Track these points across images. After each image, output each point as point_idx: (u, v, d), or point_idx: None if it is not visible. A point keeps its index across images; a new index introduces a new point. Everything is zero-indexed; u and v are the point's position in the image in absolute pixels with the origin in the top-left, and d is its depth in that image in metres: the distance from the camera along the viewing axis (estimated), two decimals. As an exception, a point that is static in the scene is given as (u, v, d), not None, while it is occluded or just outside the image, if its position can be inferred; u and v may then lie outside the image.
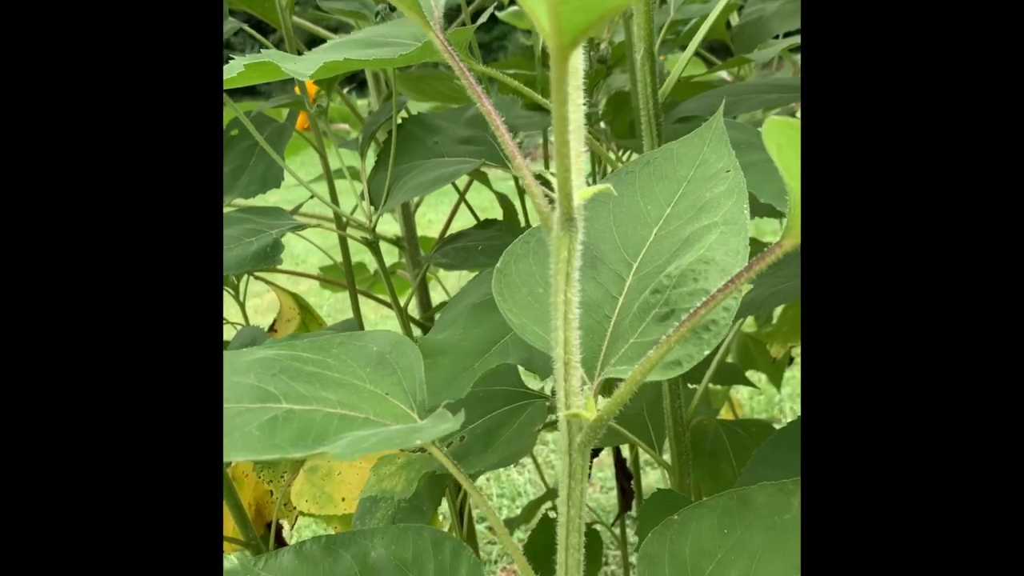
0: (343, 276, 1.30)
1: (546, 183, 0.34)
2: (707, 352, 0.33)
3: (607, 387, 0.35)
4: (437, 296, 1.18)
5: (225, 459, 0.28)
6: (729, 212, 0.36)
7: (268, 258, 0.61)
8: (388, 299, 1.16)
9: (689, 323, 0.30)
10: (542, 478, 1.27)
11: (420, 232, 1.03)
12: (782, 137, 0.22)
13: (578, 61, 0.25)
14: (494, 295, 0.38)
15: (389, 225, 1.04)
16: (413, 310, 1.07)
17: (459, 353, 0.51)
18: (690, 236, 0.37)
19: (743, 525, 0.41)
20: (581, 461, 0.34)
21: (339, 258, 1.30)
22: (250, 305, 1.23)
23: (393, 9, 0.79)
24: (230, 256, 0.61)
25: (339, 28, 0.94)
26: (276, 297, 1.08)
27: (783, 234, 0.27)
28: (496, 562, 1.81)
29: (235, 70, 0.44)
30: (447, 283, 1.47)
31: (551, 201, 0.31)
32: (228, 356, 0.35)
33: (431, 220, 2.97)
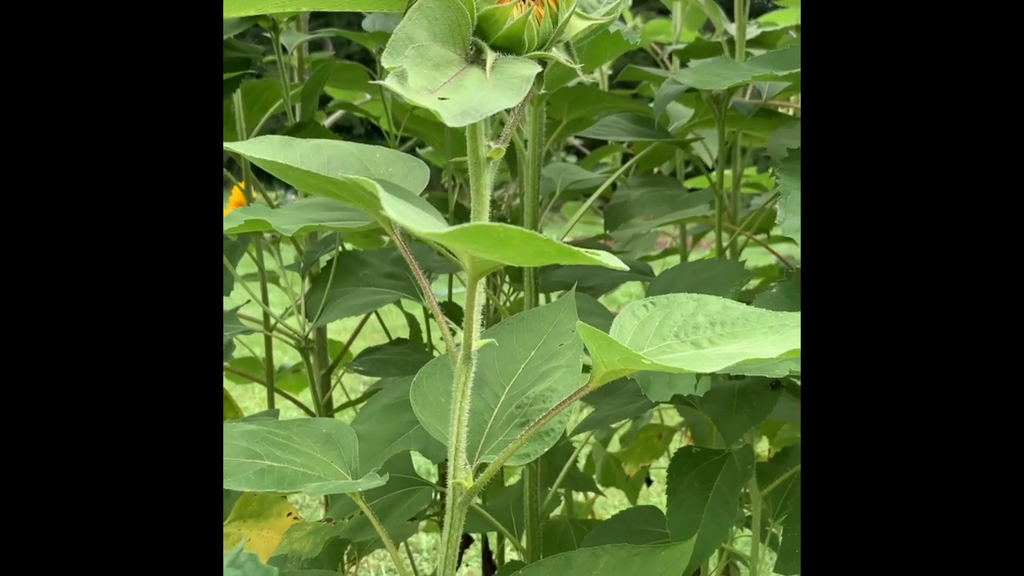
0: (251, 368, 1.44)
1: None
2: (546, 449, 0.51)
3: (481, 468, 0.53)
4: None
5: (236, 488, 0.44)
6: (570, 359, 0.56)
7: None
8: (291, 393, 1.31)
9: (535, 428, 0.49)
10: None
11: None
12: (586, 335, 0.42)
13: (482, 283, 0.44)
14: (411, 400, 0.56)
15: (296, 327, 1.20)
16: (310, 401, 1.21)
17: (374, 441, 0.68)
18: (544, 372, 0.56)
19: (566, 577, 0.59)
20: (460, 516, 0.51)
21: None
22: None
23: (376, 130, 1.00)
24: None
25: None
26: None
27: (591, 379, 0.46)
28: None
29: (237, 221, 0.61)
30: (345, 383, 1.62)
31: (457, 343, 0.49)
32: (227, 426, 0.52)
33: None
